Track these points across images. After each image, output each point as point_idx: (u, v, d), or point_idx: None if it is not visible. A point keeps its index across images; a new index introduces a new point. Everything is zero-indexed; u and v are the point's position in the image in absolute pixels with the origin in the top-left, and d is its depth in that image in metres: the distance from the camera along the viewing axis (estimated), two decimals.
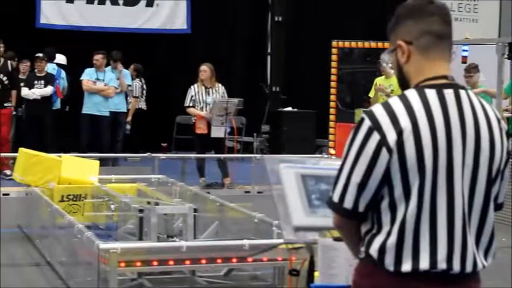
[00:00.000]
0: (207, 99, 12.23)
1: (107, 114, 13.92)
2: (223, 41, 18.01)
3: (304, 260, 4.37)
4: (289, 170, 3.60)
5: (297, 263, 5.17)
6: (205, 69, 12.37)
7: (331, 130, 15.27)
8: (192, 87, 12.44)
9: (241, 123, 15.91)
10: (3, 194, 11.73)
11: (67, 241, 7.02)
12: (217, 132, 12.12)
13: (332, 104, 15.34)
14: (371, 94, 12.76)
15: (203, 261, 6.22)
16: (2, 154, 13.10)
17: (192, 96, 12.29)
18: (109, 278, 5.92)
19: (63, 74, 14.77)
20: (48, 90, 13.90)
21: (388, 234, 2.71)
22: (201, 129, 12.14)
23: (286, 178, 3.56)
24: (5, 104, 13.59)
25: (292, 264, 5.35)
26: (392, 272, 2.71)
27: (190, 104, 12.31)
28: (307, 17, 18.03)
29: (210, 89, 12.34)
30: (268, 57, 18.55)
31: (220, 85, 12.51)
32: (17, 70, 14.41)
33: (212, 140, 11.97)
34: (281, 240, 5.54)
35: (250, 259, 6.14)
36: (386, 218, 2.72)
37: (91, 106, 13.97)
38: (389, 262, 2.71)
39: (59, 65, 15.07)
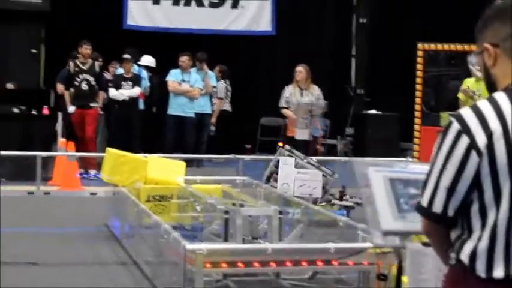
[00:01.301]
0: (301, 101, 12.23)
1: (192, 115, 14.05)
2: (307, 43, 17.98)
3: (391, 265, 4.34)
4: (378, 174, 3.57)
5: (384, 267, 5.17)
6: (300, 70, 12.37)
7: (416, 133, 15.09)
8: (286, 88, 12.45)
9: (325, 126, 15.86)
10: (91, 193, 12.01)
11: (153, 241, 7.09)
12: (302, 134, 12.11)
13: (417, 107, 15.14)
14: (460, 96, 12.55)
15: (288, 263, 6.22)
16: (88, 154, 13.36)
17: (286, 98, 12.30)
18: (195, 279, 5.96)
19: (144, 74, 14.93)
20: (136, 91, 14.11)
21: (479, 239, 2.66)
22: (291, 131, 12.17)
23: (375, 182, 3.54)
24: (91, 105, 13.85)
25: (380, 268, 5.33)
26: (484, 278, 2.65)
27: (285, 105, 12.33)
28: (391, 19, 17.88)
29: (305, 91, 12.33)
30: (353, 60, 18.46)
31: (316, 87, 12.48)
32: (104, 71, 14.68)
33: (299, 142, 11.96)
34: (369, 244, 5.52)
35: (335, 262, 6.11)
36: (476, 222, 2.67)
37: (176, 107, 14.12)
38: (480, 268, 2.65)
39: (147, 66, 15.27)
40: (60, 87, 14.51)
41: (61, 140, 13.50)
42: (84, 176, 13.50)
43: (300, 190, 9.57)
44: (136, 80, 14.20)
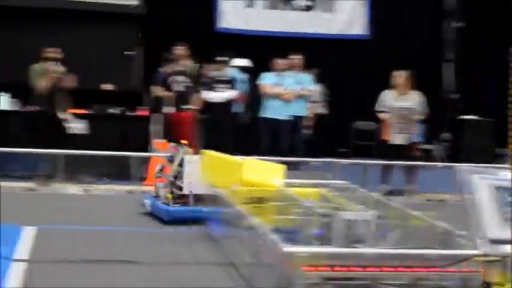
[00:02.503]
0: (398, 105, 12.15)
1: (287, 118, 14.06)
2: (401, 46, 17.85)
3: (495, 273, 4.26)
4: (483, 181, 3.52)
5: (489, 275, 5.08)
6: (400, 75, 12.33)
7: (511, 139, 14.81)
8: (384, 92, 12.39)
9: (423, 131, 15.69)
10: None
11: (250, 243, 7.12)
12: (396, 139, 12.01)
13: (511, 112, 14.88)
14: None
15: (387, 269, 6.16)
16: None
17: (382, 101, 12.24)
18: (292, 282, 5.96)
19: (239, 76, 15.01)
20: (230, 93, 14.20)
21: None
22: (386, 135, 12.09)
23: (480, 189, 3.48)
24: (187, 107, 13.99)
25: (485, 276, 5.25)
26: None
27: (381, 109, 12.28)
28: (486, 23, 17.60)
29: (403, 96, 12.24)
30: (447, 64, 18.23)
31: (417, 93, 12.40)
32: (199, 73, 14.80)
33: (395, 147, 11.87)
34: (475, 252, 5.43)
35: (436, 269, 6.03)
36: None
37: (270, 110, 14.17)
38: None
39: (242, 68, 15.35)
40: (155, 89, 14.70)
41: (156, 141, 13.67)
42: None
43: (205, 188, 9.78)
44: (230, 83, 14.29)
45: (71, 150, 12.52)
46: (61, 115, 13.07)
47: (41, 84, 13.07)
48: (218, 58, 14.39)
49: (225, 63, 14.43)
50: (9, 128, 13.70)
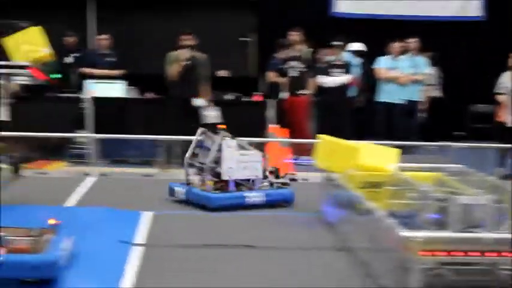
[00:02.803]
0: None
1: (402, 102, 13.96)
2: None
3: None
4: None
5: None
6: None
7: None
8: (502, 74, 12.18)
9: None
10: (302, 179, 12.21)
11: (367, 227, 7.14)
12: None
13: None
14: None
15: (506, 254, 6.10)
16: (299, 140, 13.56)
17: (500, 83, 12.03)
18: (409, 266, 5.97)
19: (354, 60, 14.96)
20: (345, 78, 14.18)
21: None
22: (500, 117, 11.87)
23: None
24: (302, 92, 14.05)
25: None
26: None
27: (499, 91, 12.07)
28: None
29: None
30: None
31: None
32: (314, 58, 14.85)
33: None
34: None
35: None
36: None
37: (386, 94, 14.09)
38: None
39: (357, 53, 15.30)
40: (271, 74, 14.82)
41: (272, 126, 13.78)
42: (296, 161, 13.74)
43: (243, 172, 9.83)
44: (346, 67, 14.28)
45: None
46: (196, 102, 13.32)
47: (173, 70, 13.43)
48: (333, 43, 14.38)
49: (340, 47, 14.42)
50: (129, 115, 14.05)
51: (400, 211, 7.76)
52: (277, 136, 13.29)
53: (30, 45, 9.32)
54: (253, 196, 9.68)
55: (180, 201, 9.92)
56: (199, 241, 7.73)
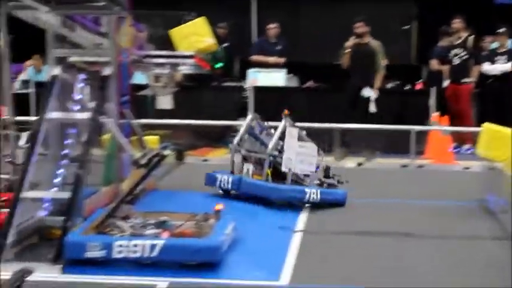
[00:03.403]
0: None
1: None
2: None
3: None
4: None
5: None
6: None
7: None
8: None
9: None
10: (464, 168, 12.03)
11: None
12: None
13: None
14: None
15: None
16: (461, 128, 13.33)
17: None
18: None
19: None
20: (510, 65, 13.82)
21: None
22: None
23: None
24: (465, 80, 13.80)
25: None
26: None
27: None
28: None
29: None
30: None
31: None
32: (478, 46, 14.54)
33: None
34: None
35: None
36: None
37: None
38: None
39: None
40: (434, 62, 14.63)
41: (434, 115, 13.61)
42: (458, 150, 13.54)
43: (300, 166, 8.97)
44: (510, 54, 13.91)
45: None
46: (364, 92, 13.34)
47: (343, 59, 13.56)
48: (499, 30, 14.03)
49: (505, 35, 14.04)
50: (290, 103, 14.19)
51: None
52: (438, 124, 13.12)
53: (196, 35, 9.57)
54: (312, 193, 8.81)
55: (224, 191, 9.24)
56: (357, 228, 7.76)
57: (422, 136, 13.12)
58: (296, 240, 7.33)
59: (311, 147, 9.13)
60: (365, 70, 13.52)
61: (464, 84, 13.83)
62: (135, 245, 6.09)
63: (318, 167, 9.24)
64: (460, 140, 13.70)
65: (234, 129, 13.28)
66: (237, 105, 14.03)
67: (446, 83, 14.05)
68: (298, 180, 9.02)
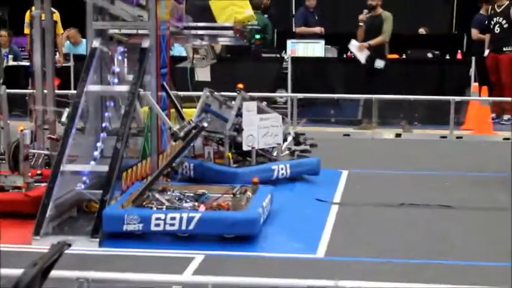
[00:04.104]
0: None
1: None
2: None
3: None
4: None
5: None
6: None
7: None
8: None
9: None
10: (504, 138, 11.93)
11: None
12: None
13: None
14: None
15: None
16: (501, 98, 13.20)
17: None
18: None
19: None
20: None
21: None
22: None
23: None
24: (506, 49, 13.62)
25: None
26: None
27: None
28: None
29: None
30: None
31: None
32: None
33: None
34: None
35: None
36: None
37: None
38: None
39: None
40: (475, 31, 14.47)
41: (474, 85, 13.50)
42: (497, 121, 13.42)
43: (264, 140, 8.38)
44: None
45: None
46: (376, 63, 13.21)
47: (359, 34, 13.43)
48: None
49: None
50: (328, 74, 14.17)
51: None
52: (478, 95, 13.02)
53: (235, 6, 9.55)
54: (281, 168, 8.31)
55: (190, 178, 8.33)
56: (394, 200, 7.74)
57: (462, 106, 13.04)
58: (333, 212, 7.34)
59: (274, 117, 8.58)
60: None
61: (505, 53, 13.64)
62: (173, 218, 6.14)
63: (286, 137, 8.85)
64: (500, 110, 13.58)
65: (273, 101, 13.31)
66: (275, 76, 14.01)
67: (486, 52, 13.88)
68: (266, 155, 8.61)
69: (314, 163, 8.67)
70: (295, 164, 8.55)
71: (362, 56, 13.04)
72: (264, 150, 8.59)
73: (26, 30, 11.73)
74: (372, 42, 13.06)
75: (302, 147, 8.92)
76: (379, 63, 13.00)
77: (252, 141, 8.33)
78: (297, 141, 8.99)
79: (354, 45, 13.15)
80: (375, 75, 13.02)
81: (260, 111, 8.58)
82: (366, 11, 13.26)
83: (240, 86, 8.80)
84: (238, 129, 8.39)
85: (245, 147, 8.30)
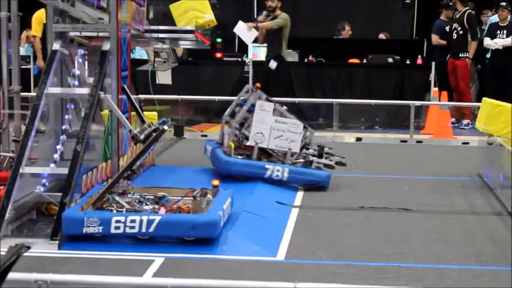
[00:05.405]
0: None
1: None
2: None
3: None
4: None
5: None
6: None
7: None
8: None
9: None
10: (463, 143, 12.04)
11: None
12: None
13: None
14: None
15: None
16: (460, 103, 13.35)
17: None
18: None
19: None
20: (510, 40, 13.79)
21: None
22: None
23: None
24: (461, 55, 13.78)
25: None
26: None
27: None
28: None
29: None
30: None
31: None
32: (478, 20, 14.50)
33: None
34: None
35: None
36: None
37: None
38: None
39: None
40: (435, 37, 14.61)
41: (434, 90, 13.61)
42: (457, 125, 13.55)
43: (276, 142, 8.61)
44: (511, 29, 13.87)
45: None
46: (271, 64, 13.28)
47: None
48: (501, 3, 13.98)
49: (506, 9, 13.99)
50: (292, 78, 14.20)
51: None
52: (438, 99, 13.14)
53: (195, 11, 9.55)
54: (276, 170, 8.48)
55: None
56: (354, 204, 7.78)
57: (422, 111, 13.15)
58: (293, 215, 7.36)
59: (294, 123, 8.73)
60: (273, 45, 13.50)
61: (461, 59, 13.79)
62: (133, 221, 6.11)
63: (305, 145, 8.87)
64: (459, 114, 13.72)
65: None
66: (237, 80, 14.01)
67: (445, 57, 14.04)
68: (275, 155, 8.76)
69: (322, 176, 8.59)
70: (297, 171, 8.56)
71: (250, 37, 13.20)
72: (273, 152, 8.75)
73: None
74: (261, 24, 13.28)
75: (325, 161, 8.79)
76: (272, 64, 13.18)
77: (261, 139, 8.59)
78: (319, 153, 8.88)
79: (240, 27, 13.25)
80: (269, 75, 13.17)
81: (279, 114, 8.75)
82: (265, 12, 13.44)
83: (258, 85, 9.09)
84: (243, 124, 8.74)
85: (249, 142, 8.64)
